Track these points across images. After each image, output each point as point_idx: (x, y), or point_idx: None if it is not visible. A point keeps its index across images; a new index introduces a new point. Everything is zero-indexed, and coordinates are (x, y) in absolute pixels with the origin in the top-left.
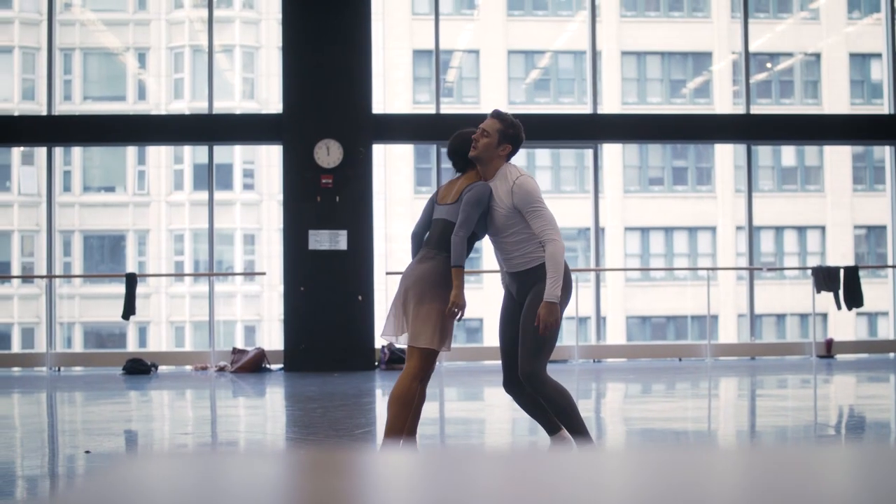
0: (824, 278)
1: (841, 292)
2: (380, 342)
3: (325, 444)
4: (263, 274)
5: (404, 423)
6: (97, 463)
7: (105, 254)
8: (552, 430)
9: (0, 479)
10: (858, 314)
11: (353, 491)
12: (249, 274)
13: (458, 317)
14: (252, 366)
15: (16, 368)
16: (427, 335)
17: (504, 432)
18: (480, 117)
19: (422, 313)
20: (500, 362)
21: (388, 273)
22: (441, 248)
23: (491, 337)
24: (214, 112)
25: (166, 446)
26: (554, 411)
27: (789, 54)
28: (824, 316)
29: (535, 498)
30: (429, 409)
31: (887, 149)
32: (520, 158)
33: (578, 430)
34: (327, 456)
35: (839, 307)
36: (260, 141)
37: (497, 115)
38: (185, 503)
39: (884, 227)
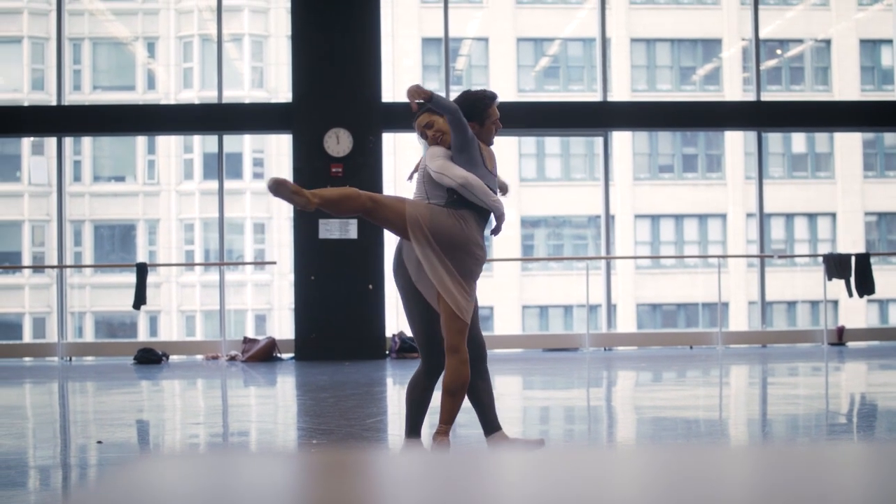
0: (836, 265)
1: (852, 279)
2: (390, 331)
3: (336, 433)
4: (274, 263)
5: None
6: (109, 453)
7: (115, 243)
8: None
9: (13, 469)
10: (869, 301)
11: (371, 493)
12: (260, 263)
13: None
14: (263, 355)
15: (27, 358)
16: (470, 305)
17: (514, 421)
18: None
19: (454, 276)
20: (508, 350)
21: None
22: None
23: (501, 325)
24: (224, 101)
25: (178, 437)
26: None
27: (799, 41)
28: (835, 303)
29: (552, 497)
30: (436, 398)
31: None
32: (529, 146)
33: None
34: (340, 456)
35: (850, 294)
36: (269, 130)
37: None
38: None
39: (895, 214)
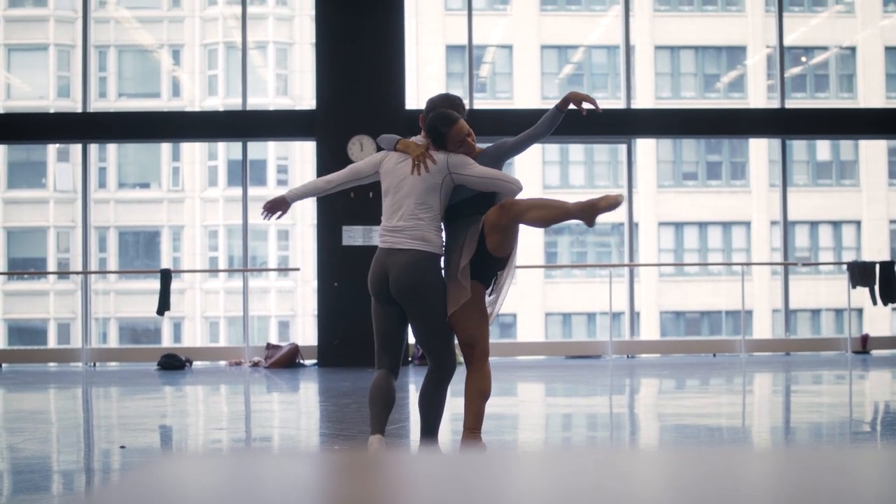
0: (860, 273)
1: (877, 287)
2: (412, 338)
3: (358, 439)
4: (297, 270)
5: None
6: (132, 458)
7: (140, 250)
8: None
9: (36, 474)
10: (894, 309)
11: (390, 493)
12: (283, 270)
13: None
14: (286, 361)
15: (52, 364)
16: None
17: (538, 428)
18: (513, 112)
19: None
20: (531, 357)
21: None
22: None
23: (525, 332)
24: (248, 108)
25: (201, 442)
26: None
27: (824, 48)
28: (859, 311)
29: (574, 499)
30: (460, 405)
31: None
32: (553, 153)
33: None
34: (362, 457)
35: (875, 302)
36: (293, 137)
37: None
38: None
39: None
